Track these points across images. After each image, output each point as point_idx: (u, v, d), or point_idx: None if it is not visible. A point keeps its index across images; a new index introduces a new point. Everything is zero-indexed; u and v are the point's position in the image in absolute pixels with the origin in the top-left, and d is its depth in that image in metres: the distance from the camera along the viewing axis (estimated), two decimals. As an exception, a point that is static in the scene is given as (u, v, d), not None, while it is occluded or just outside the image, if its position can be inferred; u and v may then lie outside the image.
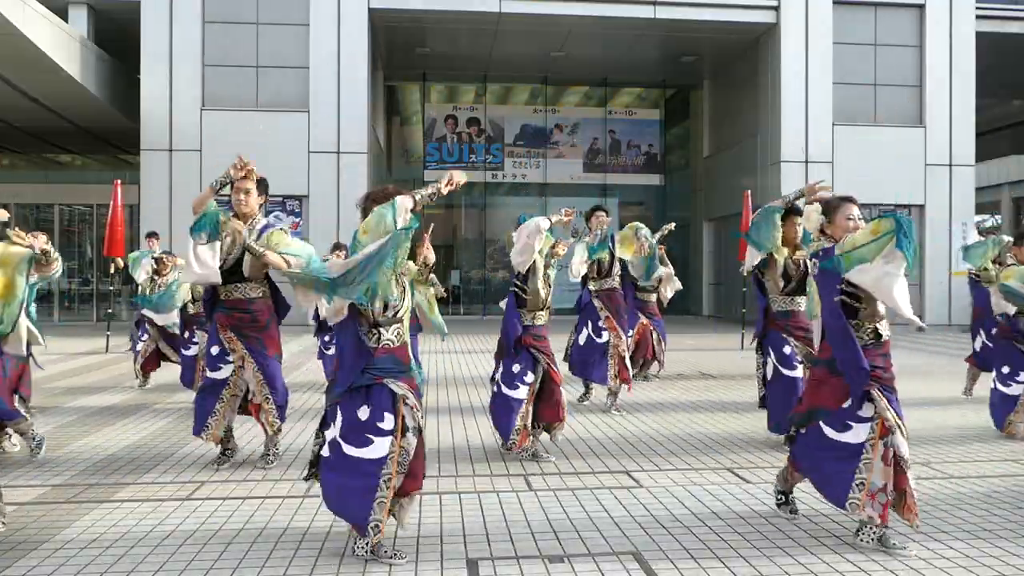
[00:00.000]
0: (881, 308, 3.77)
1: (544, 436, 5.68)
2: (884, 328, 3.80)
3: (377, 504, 3.45)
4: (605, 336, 7.21)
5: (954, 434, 6.37)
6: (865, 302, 3.73)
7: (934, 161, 17.38)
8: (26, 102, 16.17)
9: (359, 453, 3.48)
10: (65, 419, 6.79)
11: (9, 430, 5.52)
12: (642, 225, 7.80)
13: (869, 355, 3.70)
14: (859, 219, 3.85)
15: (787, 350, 5.53)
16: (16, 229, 4.77)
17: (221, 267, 4.92)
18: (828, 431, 3.79)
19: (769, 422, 5.73)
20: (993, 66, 19.18)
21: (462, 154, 22.46)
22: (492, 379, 5.65)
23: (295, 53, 16.31)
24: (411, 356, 3.75)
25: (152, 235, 10.32)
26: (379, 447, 3.48)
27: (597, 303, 7.31)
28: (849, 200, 3.91)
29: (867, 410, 3.72)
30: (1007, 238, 7.28)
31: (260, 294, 5.13)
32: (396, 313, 3.61)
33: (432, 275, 5.35)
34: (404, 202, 3.42)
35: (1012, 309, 6.18)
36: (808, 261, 4.78)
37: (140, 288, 8.51)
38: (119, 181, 12.45)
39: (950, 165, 17.45)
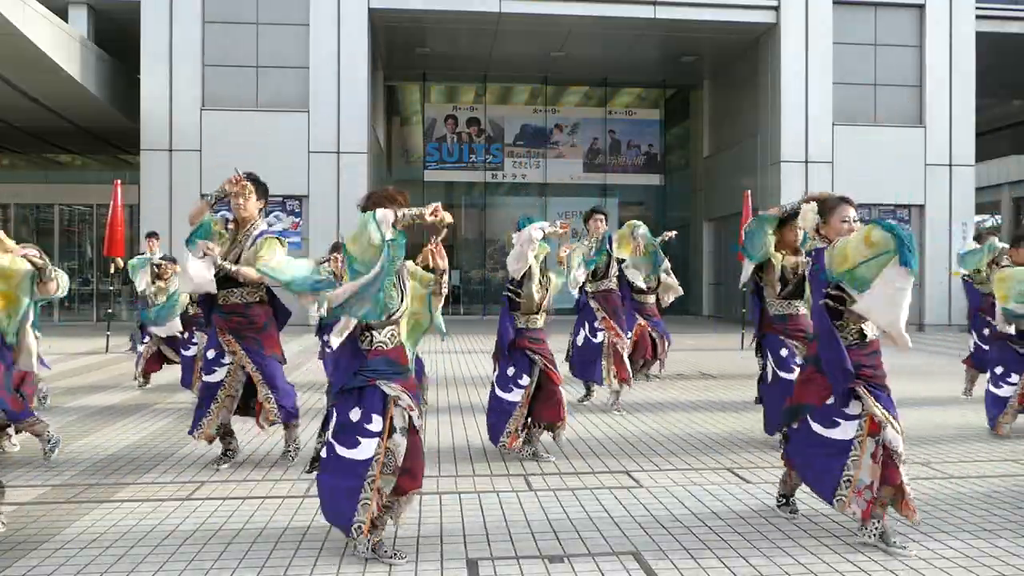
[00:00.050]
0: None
1: (546, 436, 5.68)
2: (869, 328, 3.80)
3: (361, 506, 3.45)
4: (601, 336, 7.23)
5: (954, 434, 6.37)
6: (850, 304, 3.72)
7: (934, 161, 17.36)
8: (26, 102, 16.16)
9: (350, 454, 3.50)
10: (65, 419, 6.78)
11: (10, 430, 5.53)
12: (640, 223, 7.77)
13: (854, 355, 3.72)
14: (855, 221, 3.85)
15: (784, 353, 5.51)
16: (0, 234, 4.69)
17: (216, 273, 4.94)
18: (816, 427, 3.84)
19: (766, 425, 5.72)
20: (993, 66, 19.17)
21: (462, 154, 22.45)
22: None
23: (295, 53, 16.30)
24: (408, 357, 3.76)
25: (152, 235, 10.31)
26: (365, 448, 3.49)
27: (594, 304, 7.32)
28: (846, 201, 3.90)
29: (854, 407, 3.75)
30: (1001, 244, 7.35)
31: (257, 299, 5.14)
32: (391, 315, 3.62)
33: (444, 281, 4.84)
34: (386, 216, 3.40)
35: (1012, 329, 6.18)
36: (803, 259, 4.78)
37: (145, 298, 8.56)
38: (119, 181, 12.48)
39: (950, 165, 17.43)
